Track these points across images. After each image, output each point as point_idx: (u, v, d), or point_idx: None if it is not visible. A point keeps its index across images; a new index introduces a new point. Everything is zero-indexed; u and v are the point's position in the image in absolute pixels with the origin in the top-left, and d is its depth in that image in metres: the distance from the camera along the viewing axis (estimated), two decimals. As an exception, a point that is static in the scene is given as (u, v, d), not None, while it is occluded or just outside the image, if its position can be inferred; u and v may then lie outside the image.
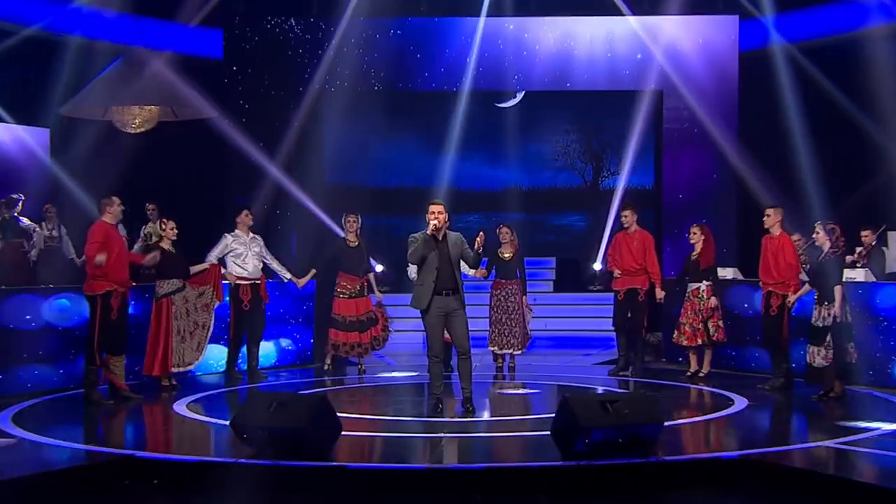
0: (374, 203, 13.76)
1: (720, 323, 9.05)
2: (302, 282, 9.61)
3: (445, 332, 7.22)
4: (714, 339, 9.07)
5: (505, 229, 9.69)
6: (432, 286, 6.99)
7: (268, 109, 11.92)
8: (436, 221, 6.94)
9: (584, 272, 13.50)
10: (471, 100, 12.69)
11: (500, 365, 9.73)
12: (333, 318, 9.55)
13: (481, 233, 7.08)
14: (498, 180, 14.72)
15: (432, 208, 6.99)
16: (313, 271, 9.65)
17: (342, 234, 9.65)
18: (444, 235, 7.07)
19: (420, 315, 7.18)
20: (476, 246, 7.03)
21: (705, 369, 9.21)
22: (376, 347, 9.76)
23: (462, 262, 7.23)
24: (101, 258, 7.48)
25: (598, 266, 13.09)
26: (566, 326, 12.46)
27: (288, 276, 9.57)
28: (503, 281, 9.68)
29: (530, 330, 9.82)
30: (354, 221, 9.59)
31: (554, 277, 13.89)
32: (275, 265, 9.44)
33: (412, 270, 8.67)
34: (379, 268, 12.78)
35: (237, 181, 11.69)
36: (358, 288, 9.54)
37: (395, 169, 14.57)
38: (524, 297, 9.66)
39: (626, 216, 9.49)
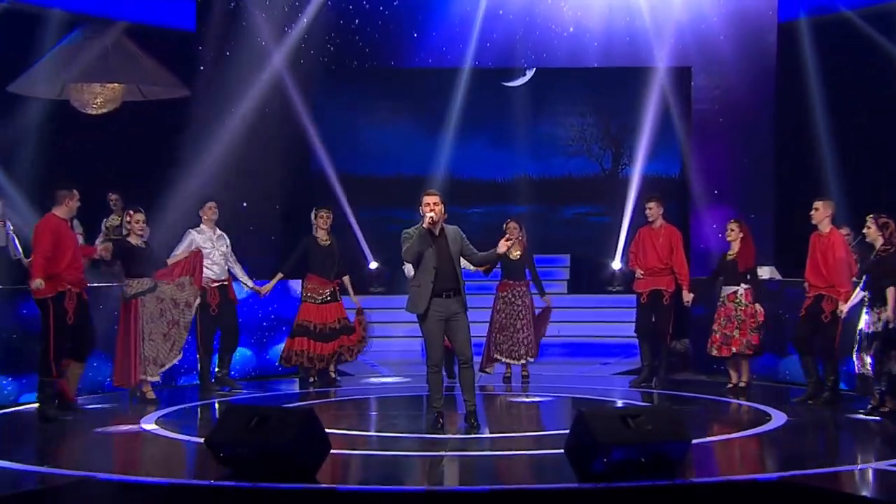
0: (366, 194, 13.74)
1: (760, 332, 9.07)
2: (265, 289, 9.61)
3: (445, 338, 7.25)
4: (751, 348, 9.04)
5: (512, 224, 9.72)
6: (430, 287, 6.99)
7: (245, 88, 11.87)
8: (432, 214, 6.94)
9: (601, 271, 13.48)
10: (474, 78, 12.66)
11: (508, 375, 9.78)
12: (299, 324, 9.54)
13: (513, 233, 6.82)
14: (504, 168, 14.65)
15: (427, 199, 7.00)
16: (279, 275, 9.67)
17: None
18: (442, 229, 7.09)
19: (417, 320, 7.20)
20: (503, 248, 7.06)
21: (745, 379, 9.20)
22: (346, 359, 9.74)
23: (464, 260, 7.25)
24: (38, 283, 7.48)
25: (617, 265, 13.13)
26: (582, 332, 12.47)
27: (250, 284, 9.58)
28: (511, 282, 9.74)
29: (547, 334, 9.85)
30: (327, 217, 9.61)
31: (568, 277, 13.87)
32: (237, 270, 9.49)
33: (409, 268, 8.73)
34: (373, 264, 12.97)
35: (211, 169, 11.62)
36: (328, 293, 9.54)
37: (390, 156, 14.53)
38: (546, 296, 9.69)
39: (650, 209, 9.51)
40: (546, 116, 14.69)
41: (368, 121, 14.58)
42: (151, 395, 8.67)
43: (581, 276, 13.89)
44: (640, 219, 10.59)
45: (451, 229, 7.14)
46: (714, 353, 9.18)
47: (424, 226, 6.96)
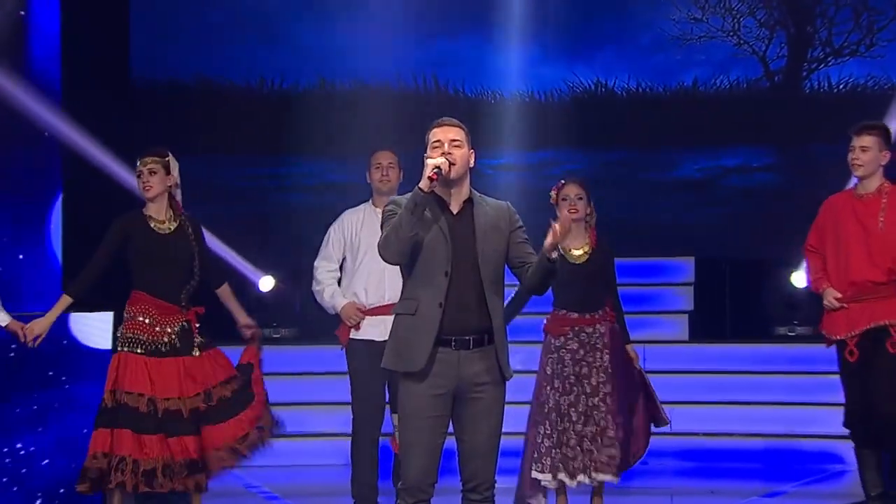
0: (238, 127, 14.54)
1: None
2: (37, 329, 9.68)
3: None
4: None
5: (573, 189, 9.91)
6: (438, 320, 7.16)
7: None
8: (440, 161, 7.26)
9: (768, 294, 13.91)
10: None
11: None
12: (118, 397, 9.57)
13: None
14: (549, 78, 15.46)
15: (437, 133, 7.43)
16: (64, 299, 9.78)
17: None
18: (468, 203, 7.46)
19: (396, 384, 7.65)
20: (554, 237, 7.15)
21: None
22: (230, 463, 9.79)
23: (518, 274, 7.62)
24: None
25: (802, 281, 13.40)
26: (722, 423, 13.01)
27: (6, 319, 9.70)
28: (571, 315, 9.93)
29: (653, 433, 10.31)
30: (150, 171, 9.71)
31: (691, 307, 14.42)
32: None
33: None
34: (265, 282, 14.03)
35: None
36: (173, 334, 9.64)
37: (295, 48, 15.27)
38: (629, 346, 10.07)
39: (864, 149, 9.55)
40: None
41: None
42: None
43: (721, 303, 14.49)
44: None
45: (492, 206, 7.49)
46: None
47: (423, 183, 7.16)
